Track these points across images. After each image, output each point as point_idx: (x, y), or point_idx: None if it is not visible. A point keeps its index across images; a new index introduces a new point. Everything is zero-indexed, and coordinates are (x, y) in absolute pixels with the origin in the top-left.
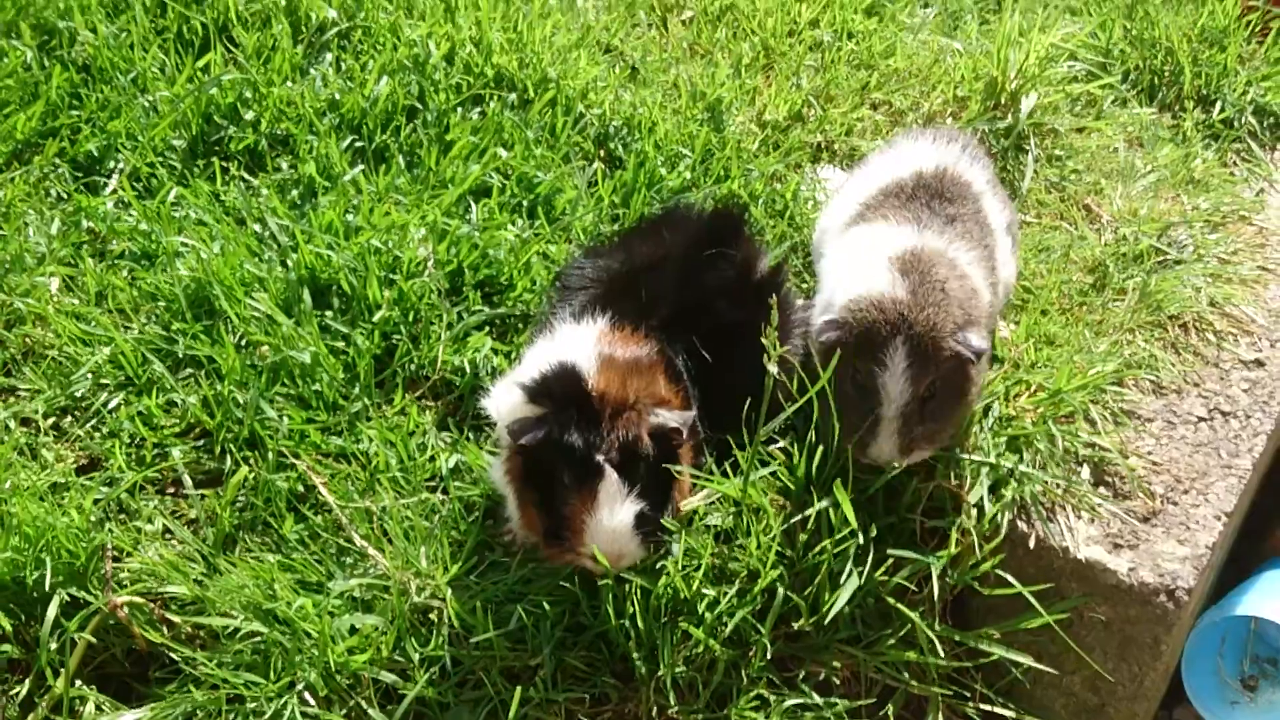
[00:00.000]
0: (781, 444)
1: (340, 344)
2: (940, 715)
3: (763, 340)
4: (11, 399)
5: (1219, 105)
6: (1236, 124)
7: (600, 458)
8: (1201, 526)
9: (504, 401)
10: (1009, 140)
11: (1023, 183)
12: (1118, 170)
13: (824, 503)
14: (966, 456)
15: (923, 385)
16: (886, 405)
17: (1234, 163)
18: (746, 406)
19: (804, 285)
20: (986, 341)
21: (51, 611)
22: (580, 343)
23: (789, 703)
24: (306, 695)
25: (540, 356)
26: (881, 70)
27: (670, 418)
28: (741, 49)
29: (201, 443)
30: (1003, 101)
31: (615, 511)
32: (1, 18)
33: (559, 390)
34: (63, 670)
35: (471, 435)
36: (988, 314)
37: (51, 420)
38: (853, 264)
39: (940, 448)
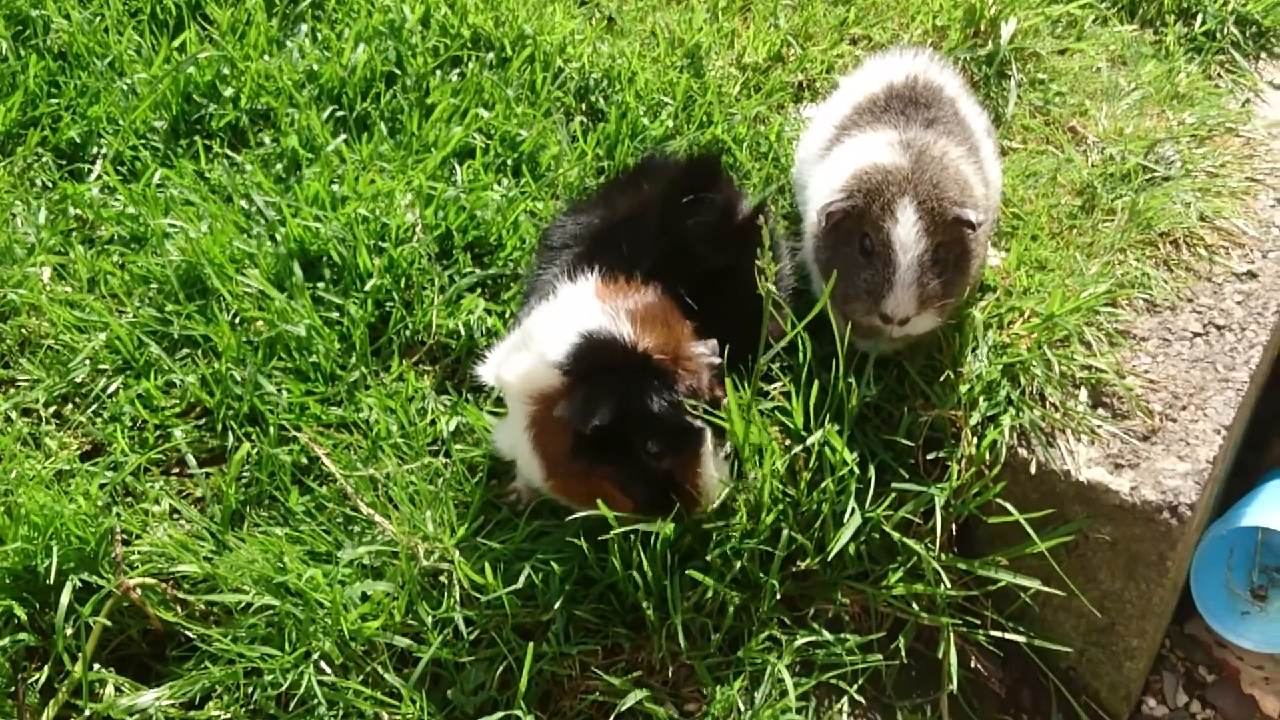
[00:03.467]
0: (780, 384)
1: (334, 315)
2: (952, 644)
3: (755, 272)
4: (11, 390)
5: (1200, 18)
6: (1219, 35)
7: (694, 420)
8: (1201, 441)
9: (515, 369)
10: (991, 67)
11: (1007, 109)
12: (1101, 90)
13: (819, 433)
14: (962, 384)
15: (933, 242)
16: (902, 255)
17: (1218, 75)
18: (739, 346)
19: (791, 227)
20: (984, 218)
21: (65, 598)
22: (586, 303)
23: (800, 641)
24: (322, 664)
25: (549, 323)
26: (859, 5)
27: (711, 354)
28: None
29: (203, 421)
30: (982, 28)
31: (718, 465)
32: None
33: (607, 361)
34: (80, 655)
35: (470, 397)
36: (981, 208)
37: (52, 409)
38: (845, 165)
39: (945, 318)
